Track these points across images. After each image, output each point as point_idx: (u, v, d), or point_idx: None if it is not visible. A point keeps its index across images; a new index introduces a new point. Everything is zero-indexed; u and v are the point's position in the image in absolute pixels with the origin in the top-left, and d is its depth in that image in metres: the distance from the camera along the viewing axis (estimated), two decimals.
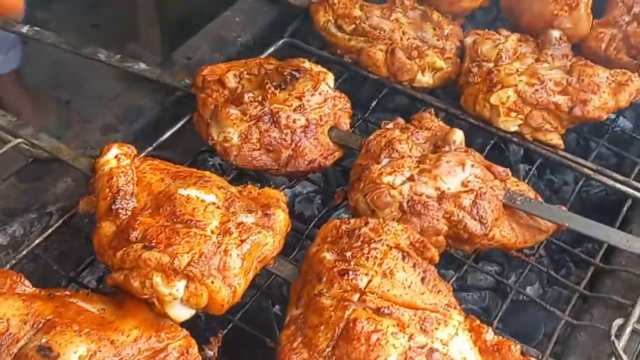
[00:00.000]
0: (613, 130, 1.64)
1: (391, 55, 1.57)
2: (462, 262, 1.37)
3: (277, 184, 1.68)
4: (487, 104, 1.49)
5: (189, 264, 1.11)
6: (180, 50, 1.66)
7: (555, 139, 1.50)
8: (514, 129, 1.50)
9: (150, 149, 1.41)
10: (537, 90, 1.47)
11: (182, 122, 1.48)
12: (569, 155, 1.49)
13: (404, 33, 1.61)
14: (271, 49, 1.63)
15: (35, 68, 3.35)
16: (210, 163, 1.69)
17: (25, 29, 1.60)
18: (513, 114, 1.48)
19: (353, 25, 1.63)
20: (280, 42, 1.64)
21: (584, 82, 1.47)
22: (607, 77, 1.48)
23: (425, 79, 1.60)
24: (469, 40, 1.61)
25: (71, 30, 3.99)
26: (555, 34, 1.58)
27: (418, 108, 1.61)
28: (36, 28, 1.61)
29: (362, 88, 1.72)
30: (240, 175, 1.63)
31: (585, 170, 1.47)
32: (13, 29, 1.60)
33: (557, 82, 1.48)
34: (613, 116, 1.67)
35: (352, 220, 1.23)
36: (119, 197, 1.20)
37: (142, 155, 1.39)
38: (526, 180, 1.47)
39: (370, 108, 1.60)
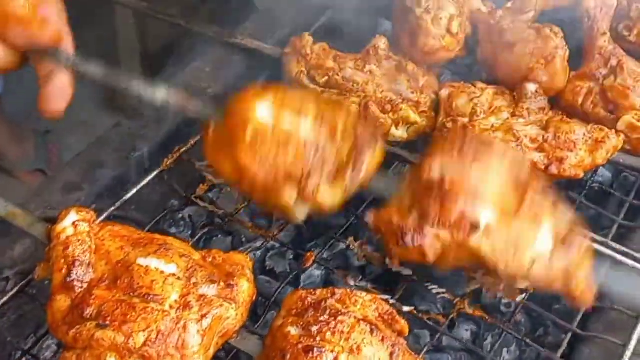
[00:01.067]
0: (592, 183, 1.61)
1: (364, 110, 1.53)
2: (435, 328, 1.34)
3: (248, 238, 1.64)
4: None
5: (145, 344, 1.06)
6: (146, 104, 1.61)
7: None
8: None
9: (113, 208, 1.36)
10: (512, 147, 1.43)
11: (148, 178, 1.43)
12: None
13: (377, 85, 1.57)
14: None
15: (14, 98, 3.31)
16: (180, 216, 1.65)
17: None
18: None
19: (326, 77, 1.59)
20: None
21: (560, 140, 1.44)
22: (584, 134, 1.45)
23: (399, 133, 1.56)
24: (444, 93, 1.57)
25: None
26: (532, 87, 1.54)
27: (392, 162, 1.57)
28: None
29: None
30: (211, 230, 1.59)
31: None
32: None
33: (533, 138, 1.45)
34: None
35: (317, 291, 1.18)
36: (74, 269, 1.14)
37: (104, 216, 1.34)
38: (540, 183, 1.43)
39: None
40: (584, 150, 1.44)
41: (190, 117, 1.33)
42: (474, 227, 1.17)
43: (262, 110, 1.28)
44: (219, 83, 1.68)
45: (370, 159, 1.28)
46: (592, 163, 1.45)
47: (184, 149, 1.47)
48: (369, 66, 1.60)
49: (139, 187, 1.39)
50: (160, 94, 1.34)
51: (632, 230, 1.51)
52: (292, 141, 1.25)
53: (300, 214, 1.29)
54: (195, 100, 1.34)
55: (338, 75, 1.59)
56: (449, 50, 1.62)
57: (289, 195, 1.25)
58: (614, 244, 1.40)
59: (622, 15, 1.72)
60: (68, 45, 1.40)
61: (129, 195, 1.38)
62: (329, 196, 1.26)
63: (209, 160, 1.34)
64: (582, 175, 1.45)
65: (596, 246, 1.38)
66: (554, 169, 1.42)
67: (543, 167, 1.42)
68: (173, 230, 1.63)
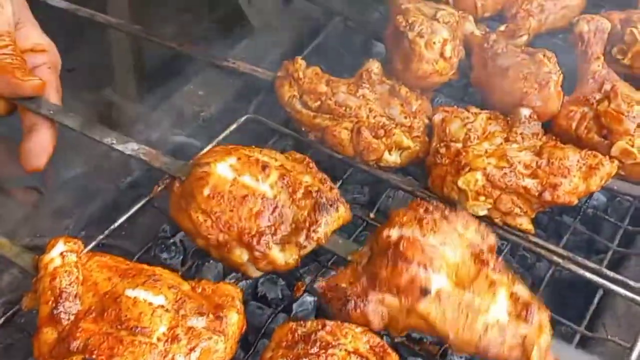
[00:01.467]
0: (586, 207, 1.60)
1: (357, 135, 1.52)
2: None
3: None
4: (455, 186, 1.44)
5: None
6: (139, 127, 1.61)
7: (525, 223, 1.44)
8: (482, 213, 1.44)
9: (101, 237, 1.35)
10: (505, 173, 1.42)
11: (138, 206, 1.42)
12: (539, 241, 1.44)
13: (370, 110, 1.56)
14: (234, 126, 1.58)
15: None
16: (171, 241, 1.63)
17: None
18: (482, 198, 1.43)
19: (318, 102, 1.58)
20: (243, 119, 1.59)
21: (554, 166, 1.42)
22: (578, 160, 1.43)
23: (392, 159, 1.55)
24: (437, 118, 1.56)
25: None
26: (525, 112, 1.53)
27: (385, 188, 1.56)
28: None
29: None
30: (203, 255, 1.58)
31: (555, 258, 1.41)
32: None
33: (526, 164, 1.44)
34: None
35: (308, 323, 1.17)
36: (61, 302, 1.13)
37: (93, 244, 1.33)
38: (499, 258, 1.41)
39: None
40: (578, 177, 1.43)
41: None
42: (424, 291, 1.16)
43: (222, 168, 1.31)
44: (212, 107, 1.67)
45: (329, 220, 1.30)
46: (586, 190, 1.44)
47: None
48: (361, 90, 1.60)
49: (128, 214, 1.38)
50: (131, 147, 1.37)
51: (627, 258, 1.49)
52: (249, 201, 1.29)
53: (254, 271, 1.31)
54: (163, 157, 1.38)
55: (330, 100, 1.58)
56: (442, 74, 1.62)
57: (240, 255, 1.27)
58: (607, 272, 1.38)
59: (616, 39, 1.71)
60: (52, 95, 1.42)
61: (118, 223, 1.37)
62: (281, 257, 1.27)
63: (172, 214, 1.37)
64: (575, 202, 1.44)
65: (589, 275, 1.38)
66: (547, 196, 1.41)
67: (537, 194, 1.41)
68: (164, 255, 1.61)
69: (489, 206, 1.44)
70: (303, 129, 1.60)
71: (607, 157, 1.46)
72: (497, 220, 1.45)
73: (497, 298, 1.18)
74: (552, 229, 1.69)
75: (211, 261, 1.61)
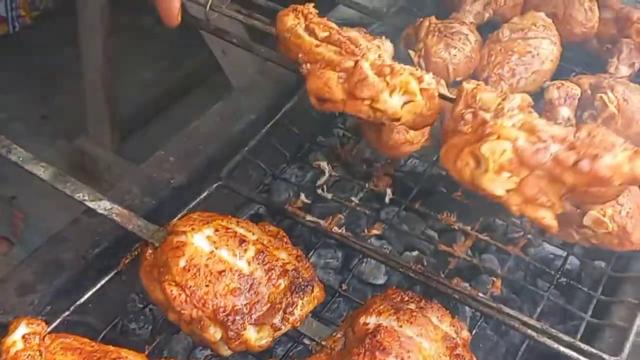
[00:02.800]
0: (562, 272, 1.59)
1: (353, 69, 1.32)
2: None
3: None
4: (472, 160, 1.22)
5: None
6: (110, 194, 1.58)
7: (547, 218, 1.22)
8: (500, 192, 1.21)
9: (66, 314, 1.31)
10: (539, 149, 1.19)
11: (105, 280, 1.38)
12: (512, 312, 1.43)
13: (380, 57, 1.35)
14: (205, 193, 1.55)
15: None
16: (140, 308, 1.59)
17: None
18: (505, 174, 1.19)
19: (327, 33, 1.41)
20: (214, 187, 1.57)
21: (595, 139, 1.17)
22: (623, 142, 1.18)
23: (393, 102, 1.29)
24: (467, 85, 1.33)
25: (20, 121, 3.94)
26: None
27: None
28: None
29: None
30: (173, 325, 1.54)
31: (529, 331, 1.39)
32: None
33: (561, 138, 1.19)
34: (564, 253, 1.63)
35: None
36: None
37: (58, 321, 1.29)
38: (474, 331, 1.40)
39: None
40: (623, 156, 1.15)
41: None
42: None
43: (199, 239, 1.27)
44: (182, 174, 1.65)
45: (305, 302, 1.28)
46: (631, 173, 1.14)
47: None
48: (377, 41, 1.43)
49: (94, 289, 1.34)
50: (103, 205, 1.33)
51: (601, 329, 1.48)
52: (225, 276, 1.24)
53: (226, 350, 1.28)
54: (136, 219, 1.33)
55: (341, 34, 1.40)
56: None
57: (214, 333, 1.24)
58: (582, 345, 1.37)
59: (587, 104, 1.72)
60: None
61: (83, 299, 1.33)
62: (255, 338, 1.24)
63: (143, 282, 1.33)
64: (617, 184, 1.17)
65: (563, 349, 1.36)
66: (585, 165, 1.15)
67: (571, 163, 1.16)
68: (133, 325, 1.58)
69: (512, 186, 1.21)
70: (299, 57, 1.40)
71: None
72: (514, 209, 1.23)
73: None
74: (526, 294, 1.67)
75: (180, 332, 1.58)
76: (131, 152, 3.68)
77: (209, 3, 1.57)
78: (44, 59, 4.19)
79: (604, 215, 1.50)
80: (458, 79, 1.82)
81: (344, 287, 1.51)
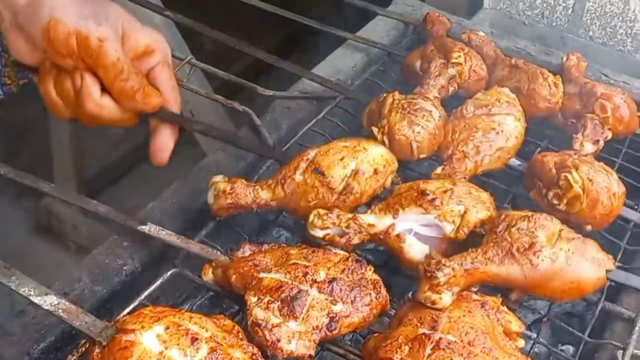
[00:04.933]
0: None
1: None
2: None
3: None
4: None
5: None
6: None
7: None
8: None
9: None
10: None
11: None
12: None
13: None
14: (159, 281, 1.50)
15: None
16: None
17: None
18: None
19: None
20: (169, 274, 1.51)
21: None
22: None
23: None
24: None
25: None
26: None
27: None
28: None
29: None
30: None
31: None
32: None
33: None
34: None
35: None
36: None
37: None
38: None
39: None
40: None
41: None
42: None
43: (148, 339, 1.22)
44: (135, 259, 1.59)
45: None
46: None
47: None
48: None
49: None
50: (50, 300, 1.27)
51: None
52: None
53: None
54: (84, 315, 1.28)
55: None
56: None
57: None
58: None
59: (551, 183, 1.70)
60: (171, 99, 1.62)
61: None
62: None
63: None
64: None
65: None
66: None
67: None
68: None
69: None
70: None
71: None
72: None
73: None
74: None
75: None
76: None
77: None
78: (11, 114, 4.13)
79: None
80: (422, 155, 1.79)
81: None
